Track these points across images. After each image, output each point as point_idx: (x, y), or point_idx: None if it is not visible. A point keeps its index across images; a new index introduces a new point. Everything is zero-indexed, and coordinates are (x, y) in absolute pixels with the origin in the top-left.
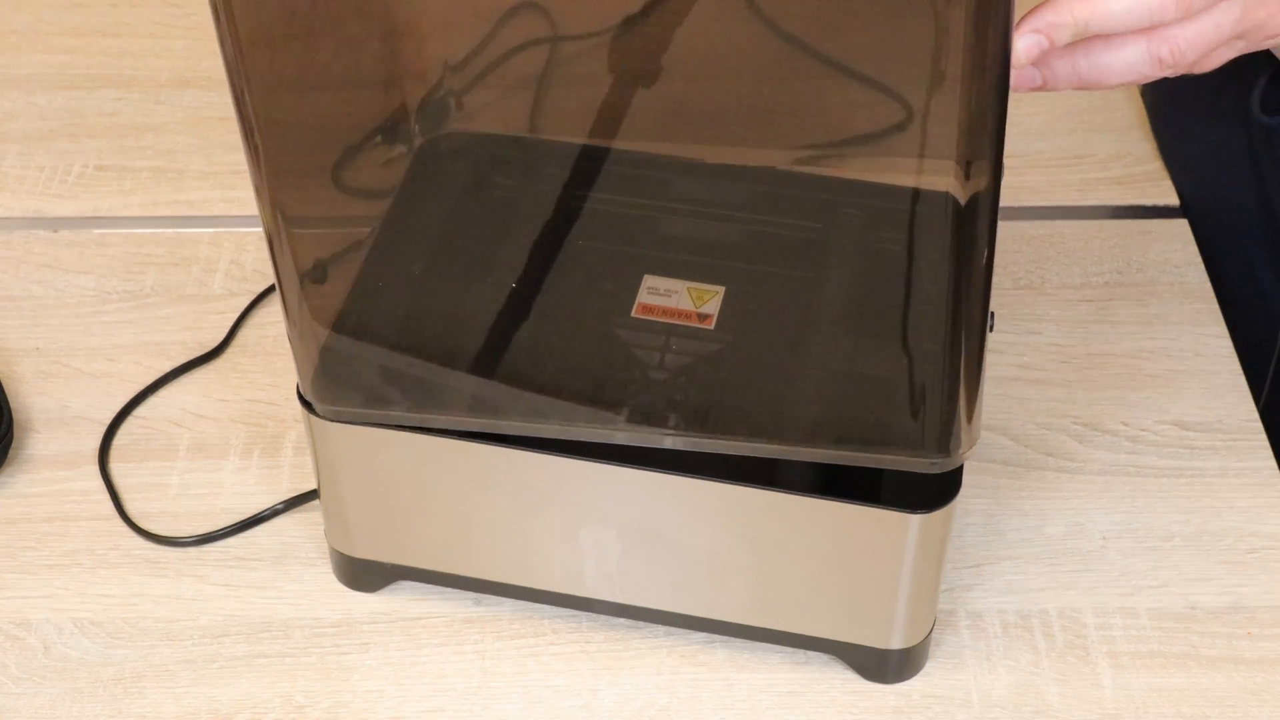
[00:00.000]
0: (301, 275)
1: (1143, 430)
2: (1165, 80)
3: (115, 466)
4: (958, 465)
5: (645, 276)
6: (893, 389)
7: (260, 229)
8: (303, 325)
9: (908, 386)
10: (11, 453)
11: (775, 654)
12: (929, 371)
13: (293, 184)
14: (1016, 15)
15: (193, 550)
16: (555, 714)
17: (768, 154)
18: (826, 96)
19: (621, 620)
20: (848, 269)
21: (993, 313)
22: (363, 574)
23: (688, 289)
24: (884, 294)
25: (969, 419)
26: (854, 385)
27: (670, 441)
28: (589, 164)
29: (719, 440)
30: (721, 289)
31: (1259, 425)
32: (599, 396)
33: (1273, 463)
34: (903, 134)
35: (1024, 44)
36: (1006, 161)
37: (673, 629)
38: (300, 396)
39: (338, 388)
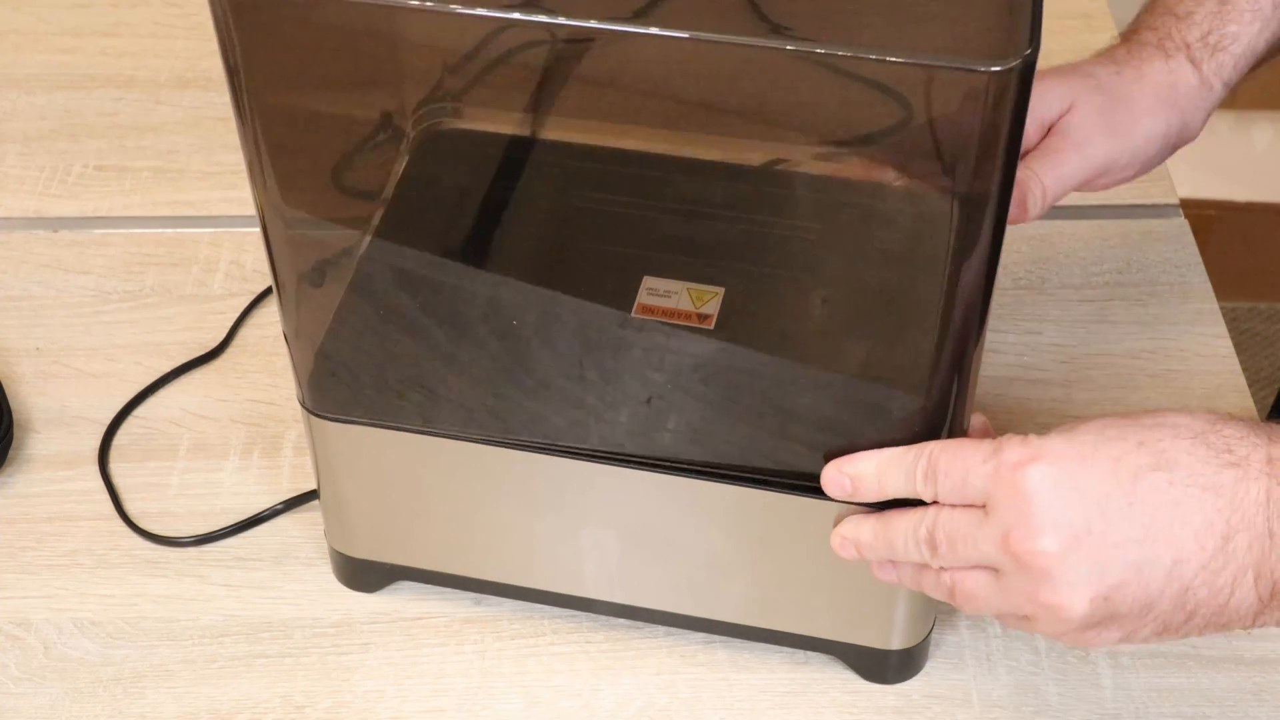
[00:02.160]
0: (299, 275)
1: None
2: None
3: (115, 466)
4: None
5: (645, 277)
6: (888, 393)
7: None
8: (300, 327)
9: (902, 391)
10: (11, 453)
11: (775, 654)
12: (918, 395)
13: (292, 183)
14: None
15: (193, 550)
16: (555, 714)
17: (768, 154)
18: (828, 97)
19: (621, 620)
20: (847, 269)
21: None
22: (363, 574)
23: (687, 289)
24: (883, 293)
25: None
26: (853, 383)
27: (666, 449)
28: (588, 164)
29: (710, 458)
30: (721, 289)
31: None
32: (598, 397)
33: None
34: (904, 137)
35: (834, 479)
36: None
37: (673, 629)
38: (300, 396)
39: (333, 390)
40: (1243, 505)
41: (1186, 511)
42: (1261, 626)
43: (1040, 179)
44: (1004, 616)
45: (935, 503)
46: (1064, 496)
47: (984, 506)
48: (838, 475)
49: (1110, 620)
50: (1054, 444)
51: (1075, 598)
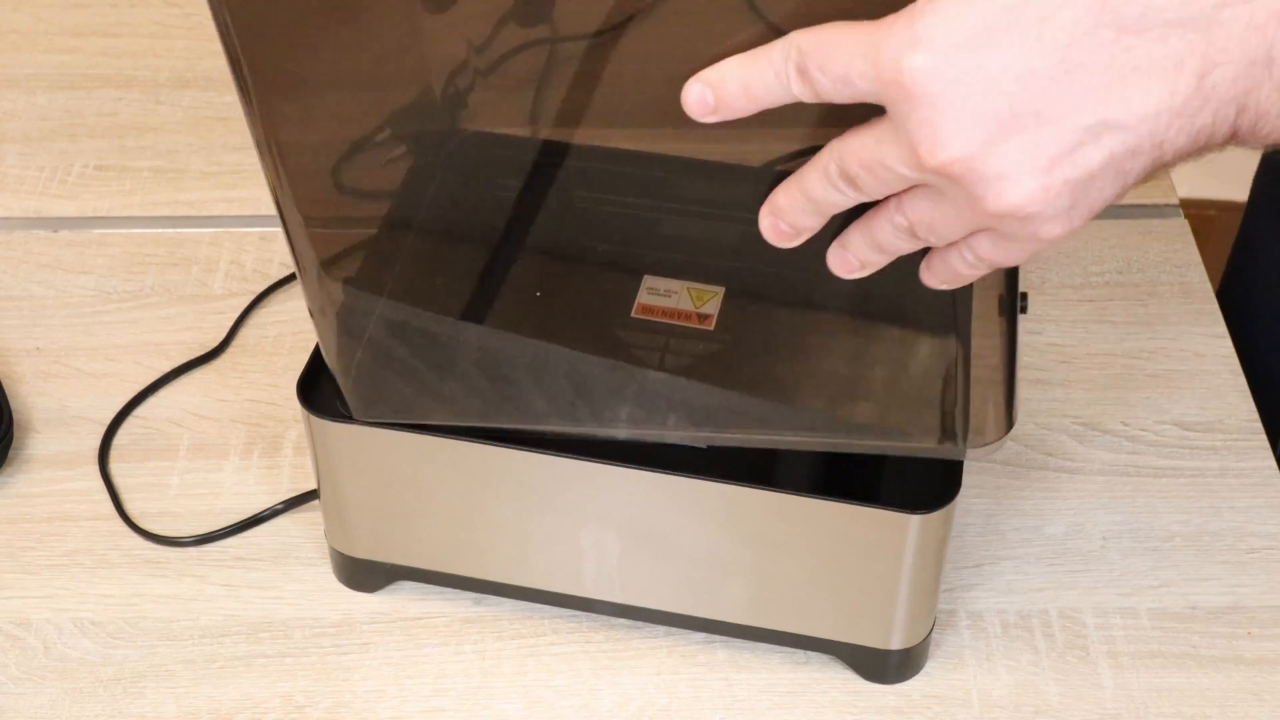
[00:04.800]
0: (318, 272)
1: (1143, 430)
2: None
3: (115, 466)
4: (985, 447)
5: (645, 276)
6: (900, 382)
7: (260, 229)
8: (335, 331)
9: (920, 375)
10: (11, 453)
11: (775, 654)
12: (947, 357)
13: (306, 184)
14: None
15: (193, 550)
16: (555, 714)
17: (768, 154)
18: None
19: (621, 620)
20: None
21: (1025, 293)
22: (363, 574)
23: (688, 289)
24: (883, 291)
25: (1005, 404)
26: (856, 382)
27: (674, 436)
28: (589, 164)
29: (722, 432)
30: (721, 289)
31: (1259, 425)
32: (599, 396)
33: (1273, 463)
34: None
35: (694, 93)
36: None
37: (673, 629)
38: (300, 396)
39: (332, 390)
40: (1224, 34)
41: (1144, 56)
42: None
43: None
44: (980, 243)
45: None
46: (971, 88)
47: (883, 114)
48: (697, 88)
49: (1083, 196)
50: (951, 20)
51: (1023, 190)
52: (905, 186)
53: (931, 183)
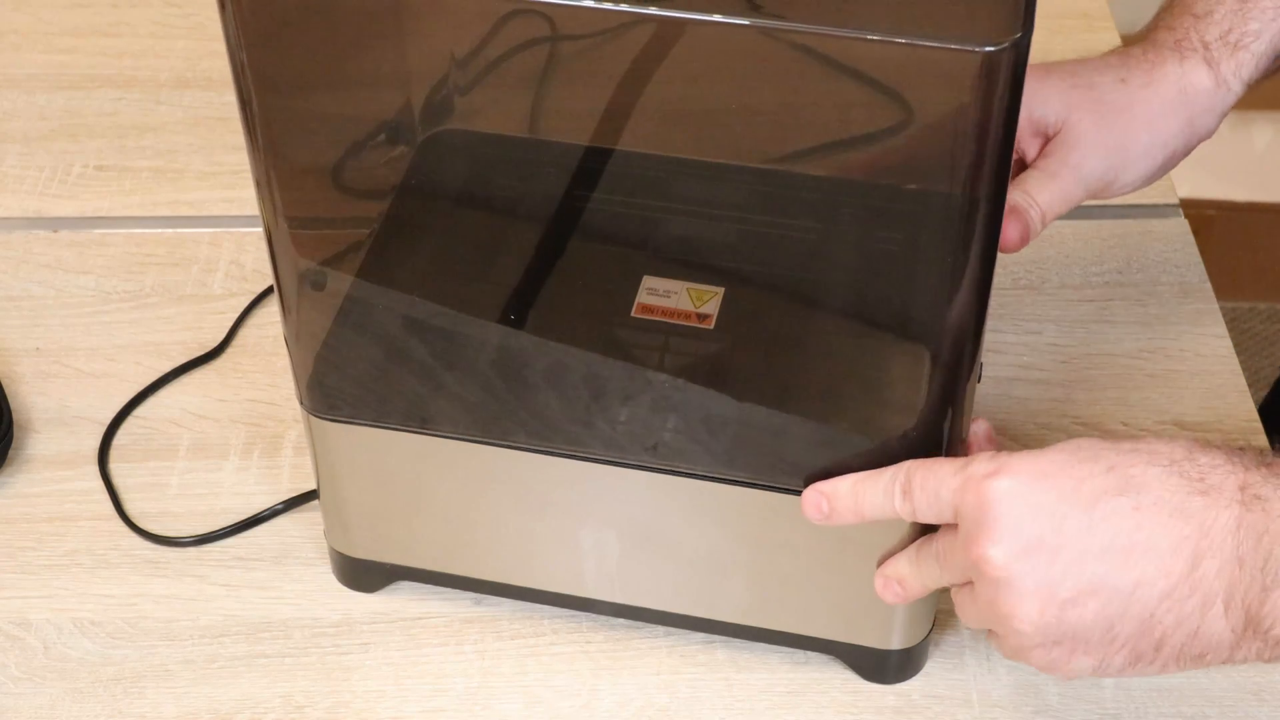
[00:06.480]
0: (302, 275)
1: (1142, 430)
2: None
3: (115, 466)
4: None
5: (644, 277)
6: (891, 389)
7: (260, 229)
8: (301, 328)
9: (901, 388)
10: (11, 453)
11: (775, 654)
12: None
13: (296, 182)
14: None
15: (193, 550)
16: (555, 714)
17: (768, 154)
18: (827, 97)
19: (621, 620)
20: (847, 269)
21: (981, 363)
22: (363, 574)
23: (687, 289)
24: (883, 293)
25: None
26: (853, 384)
27: (666, 449)
28: (589, 163)
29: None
30: (721, 289)
31: (1259, 425)
32: (598, 397)
33: None
34: (899, 132)
35: (811, 499)
36: None
37: (673, 629)
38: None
39: (335, 390)
40: (1211, 531)
41: (1151, 535)
42: (1243, 661)
43: (1037, 203)
44: (991, 637)
45: (918, 523)
46: (1021, 509)
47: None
48: (815, 496)
49: (1071, 641)
50: (1020, 460)
51: (1025, 608)
52: (964, 580)
53: (972, 575)
